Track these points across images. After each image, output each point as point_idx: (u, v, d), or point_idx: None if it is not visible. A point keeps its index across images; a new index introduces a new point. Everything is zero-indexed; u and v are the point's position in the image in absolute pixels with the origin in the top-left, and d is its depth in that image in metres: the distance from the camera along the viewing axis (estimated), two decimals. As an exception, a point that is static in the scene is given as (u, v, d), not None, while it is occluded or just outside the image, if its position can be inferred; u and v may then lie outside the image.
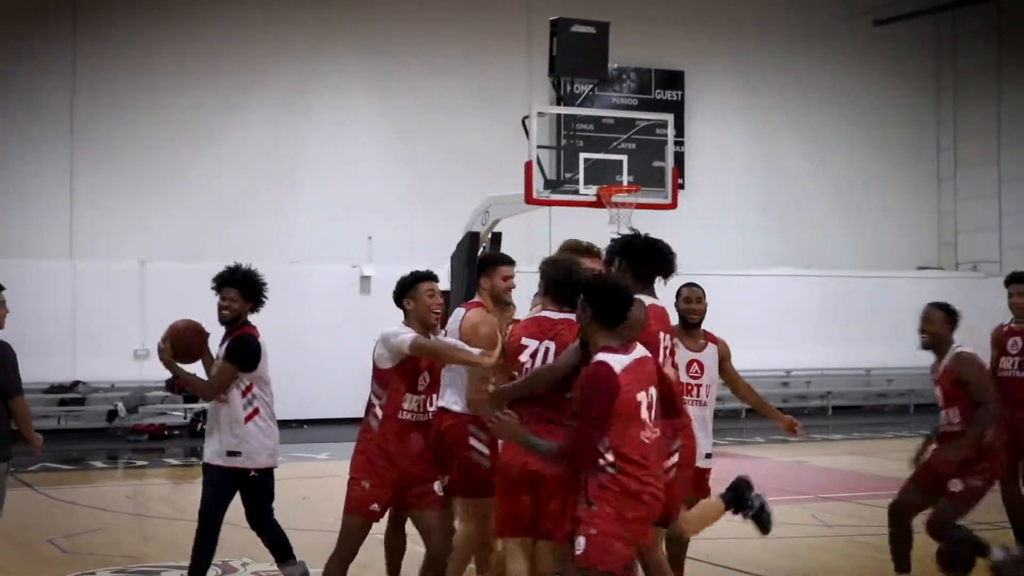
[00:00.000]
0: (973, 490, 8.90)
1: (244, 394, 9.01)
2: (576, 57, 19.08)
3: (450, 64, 26.67)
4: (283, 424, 25.82)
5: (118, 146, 24.38)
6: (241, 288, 9.07)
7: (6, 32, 24.00)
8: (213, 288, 9.09)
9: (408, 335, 7.74)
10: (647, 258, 7.36)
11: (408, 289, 7.95)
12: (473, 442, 8.11)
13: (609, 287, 6.55)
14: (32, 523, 12.81)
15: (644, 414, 6.40)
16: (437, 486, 7.94)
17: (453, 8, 26.85)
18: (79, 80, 24.28)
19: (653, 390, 6.49)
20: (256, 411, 9.07)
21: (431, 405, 7.97)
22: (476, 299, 8.87)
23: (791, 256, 28.94)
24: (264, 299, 9.21)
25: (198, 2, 25.16)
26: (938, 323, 9.01)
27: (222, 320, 9.11)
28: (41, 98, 24.12)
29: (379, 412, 7.96)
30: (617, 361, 6.39)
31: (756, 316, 26.02)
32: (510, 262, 8.94)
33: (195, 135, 24.86)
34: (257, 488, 9.21)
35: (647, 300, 7.30)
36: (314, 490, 15.96)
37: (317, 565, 10.74)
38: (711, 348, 8.88)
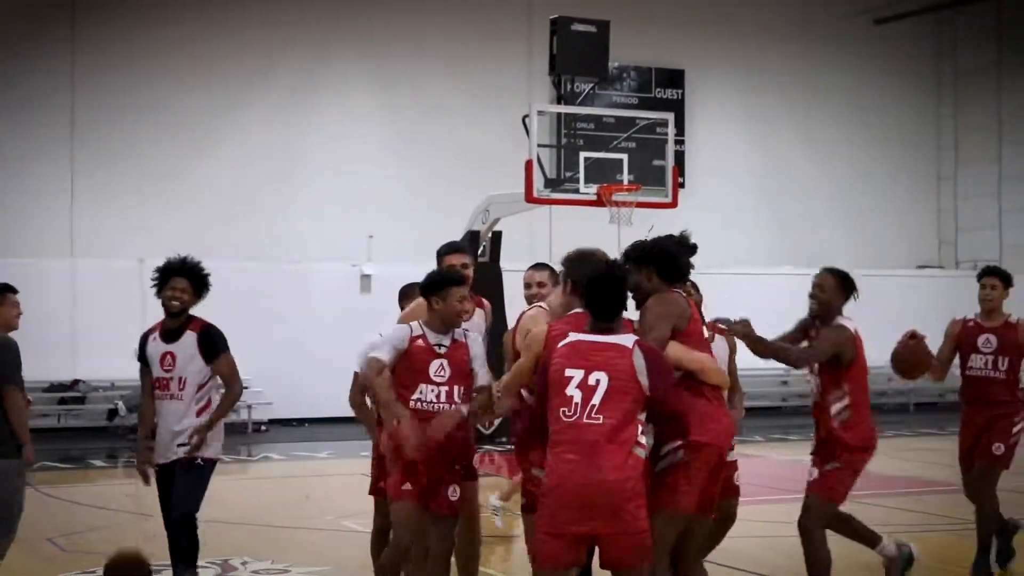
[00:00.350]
0: (832, 477, 8.38)
1: (200, 388, 8.67)
2: (576, 56, 19.12)
3: (450, 63, 26.65)
4: (284, 423, 25.90)
5: (118, 145, 24.36)
6: (190, 279, 8.79)
7: (6, 32, 23.98)
8: (156, 280, 8.83)
9: (373, 355, 7.80)
10: (666, 263, 7.36)
11: (439, 288, 7.94)
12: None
13: (607, 282, 6.63)
14: (31, 521, 12.75)
15: (571, 390, 6.39)
16: (452, 491, 7.87)
17: (454, 7, 26.83)
18: (79, 80, 24.26)
19: (601, 376, 6.38)
20: (208, 403, 8.69)
21: (458, 396, 7.86)
22: None
23: (792, 255, 28.91)
24: (208, 291, 8.92)
25: (198, 2, 25.14)
26: (830, 290, 8.41)
27: (171, 311, 8.78)
28: (41, 98, 24.10)
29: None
30: (568, 336, 6.61)
31: (756, 315, 25.76)
32: (456, 250, 8.89)
33: (195, 134, 24.83)
34: (199, 475, 8.67)
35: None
36: (315, 488, 15.96)
37: (319, 563, 10.74)
38: (720, 340, 8.75)
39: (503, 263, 19.91)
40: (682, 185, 23.55)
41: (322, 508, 14.16)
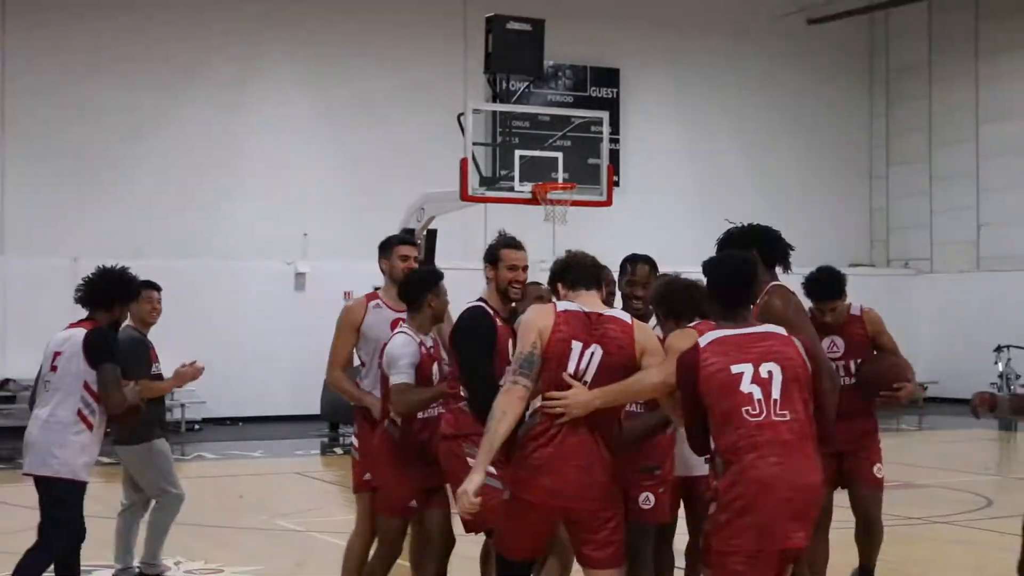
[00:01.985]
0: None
1: None
2: (511, 54, 19.12)
3: (386, 59, 26.56)
4: (218, 422, 25.76)
5: (50, 142, 24.08)
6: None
7: (-65, 26, 23.72)
8: (116, 288, 8.31)
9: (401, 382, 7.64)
10: (769, 245, 7.16)
11: (433, 287, 7.85)
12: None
13: (736, 267, 6.09)
14: (-38, 523, 12.66)
15: (746, 387, 5.76)
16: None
17: (389, 3, 26.76)
18: (9, 74, 23.96)
19: (773, 367, 5.75)
20: None
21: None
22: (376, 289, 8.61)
23: (725, 253, 29.01)
24: None
25: (131, -3, 24.93)
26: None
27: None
28: (-30, 93, 23.85)
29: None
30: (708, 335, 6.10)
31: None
32: (410, 241, 8.82)
33: (128, 131, 24.58)
34: None
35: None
36: (249, 488, 15.89)
37: (252, 563, 10.70)
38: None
39: (438, 261, 19.90)
40: (617, 183, 23.63)
41: (256, 507, 14.10)
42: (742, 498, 5.58)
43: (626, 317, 6.44)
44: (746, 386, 5.66)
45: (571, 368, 6.19)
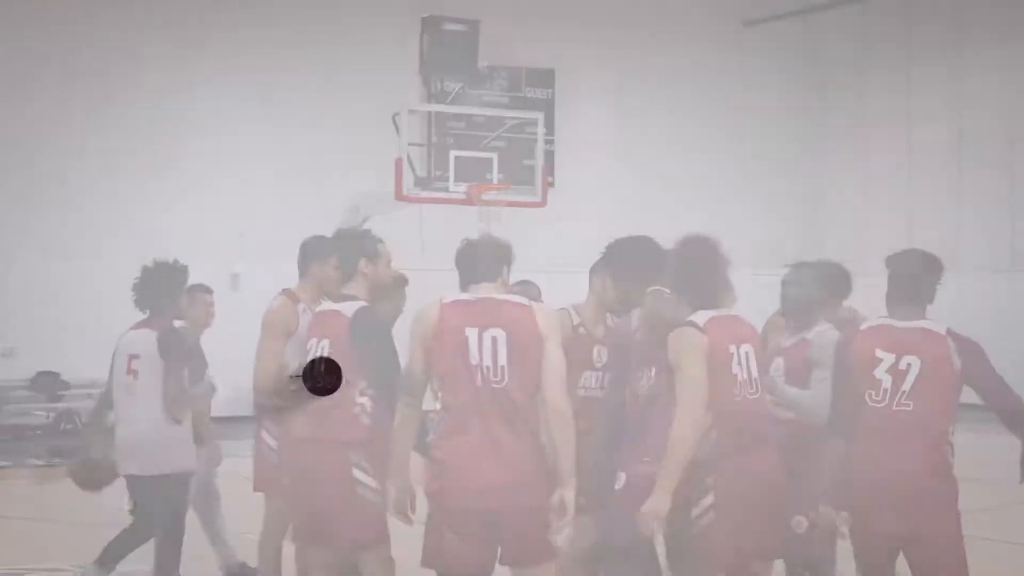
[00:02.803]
0: None
1: None
2: (446, 54, 19.18)
3: (322, 58, 26.41)
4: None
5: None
6: None
7: None
8: (174, 281, 9.32)
9: None
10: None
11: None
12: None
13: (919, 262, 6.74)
14: None
15: (880, 374, 6.11)
16: None
17: (326, 1, 26.64)
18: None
19: (913, 360, 6.10)
20: None
21: None
22: (293, 287, 8.24)
23: (661, 254, 29.08)
24: None
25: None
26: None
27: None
28: None
29: None
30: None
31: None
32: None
33: (61, 127, 24.28)
34: None
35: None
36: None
37: (185, 564, 10.61)
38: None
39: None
40: (552, 184, 23.67)
41: (189, 510, 13.98)
42: (849, 474, 5.97)
43: (524, 300, 6.32)
44: (880, 373, 5.99)
45: (473, 354, 6.01)
